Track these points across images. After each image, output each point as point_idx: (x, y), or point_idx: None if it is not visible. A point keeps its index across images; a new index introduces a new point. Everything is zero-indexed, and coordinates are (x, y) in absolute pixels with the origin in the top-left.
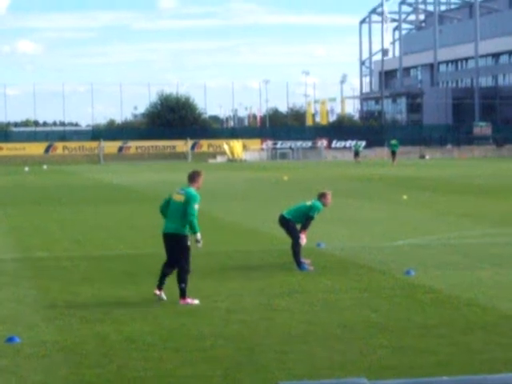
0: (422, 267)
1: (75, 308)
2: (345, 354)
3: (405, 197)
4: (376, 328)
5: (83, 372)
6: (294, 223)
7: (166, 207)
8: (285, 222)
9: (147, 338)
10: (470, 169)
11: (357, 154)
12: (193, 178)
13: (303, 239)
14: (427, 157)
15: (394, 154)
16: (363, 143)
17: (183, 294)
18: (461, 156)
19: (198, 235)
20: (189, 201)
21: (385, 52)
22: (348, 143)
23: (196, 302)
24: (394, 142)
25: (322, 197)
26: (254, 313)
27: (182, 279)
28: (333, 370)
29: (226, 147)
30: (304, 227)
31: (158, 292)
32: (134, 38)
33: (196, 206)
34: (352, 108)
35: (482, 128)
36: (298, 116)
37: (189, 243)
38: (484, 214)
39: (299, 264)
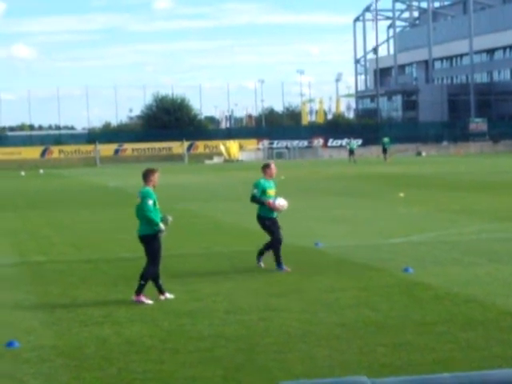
0: (420, 264)
1: (74, 312)
2: (344, 352)
3: (402, 194)
4: (375, 326)
5: (83, 376)
6: (264, 218)
7: None
8: (259, 221)
9: (146, 340)
10: (467, 165)
11: (351, 152)
12: (146, 176)
13: (278, 202)
14: (423, 154)
15: (385, 151)
16: (357, 141)
17: (139, 291)
18: (457, 152)
19: (161, 226)
20: (142, 199)
21: (379, 50)
22: (344, 142)
23: (149, 301)
24: (386, 139)
25: (263, 169)
26: (252, 313)
27: (143, 277)
28: (333, 368)
29: (222, 148)
30: (262, 203)
31: (162, 297)
32: (128, 40)
33: (150, 202)
34: (345, 106)
35: (478, 124)
36: (293, 115)
37: (161, 235)
38: (481, 210)
39: (278, 263)
